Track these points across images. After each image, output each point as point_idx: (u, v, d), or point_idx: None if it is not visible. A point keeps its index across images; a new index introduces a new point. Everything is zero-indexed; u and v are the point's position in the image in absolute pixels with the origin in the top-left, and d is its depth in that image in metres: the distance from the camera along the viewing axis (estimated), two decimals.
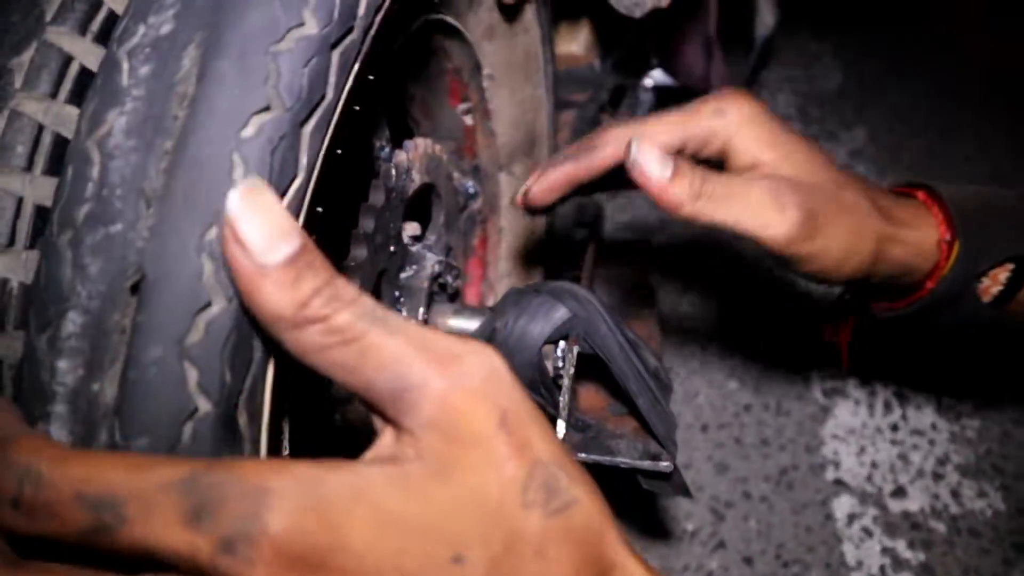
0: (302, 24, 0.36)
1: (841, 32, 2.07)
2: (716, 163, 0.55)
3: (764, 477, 1.08)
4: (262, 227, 0.29)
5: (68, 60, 0.42)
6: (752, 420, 1.15)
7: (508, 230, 0.85)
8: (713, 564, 0.99)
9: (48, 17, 0.43)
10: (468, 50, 0.72)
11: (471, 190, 0.79)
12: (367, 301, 0.30)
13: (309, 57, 0.36)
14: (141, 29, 0.37)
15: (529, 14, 0.76)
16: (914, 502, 1.06)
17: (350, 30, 0.38)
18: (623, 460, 0.58)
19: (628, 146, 0.49)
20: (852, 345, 0.70)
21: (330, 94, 0.37)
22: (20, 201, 0.40)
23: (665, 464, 0.58)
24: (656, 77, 1.10)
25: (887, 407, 1.18)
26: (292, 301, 0.28)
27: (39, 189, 0.41)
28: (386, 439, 0.31)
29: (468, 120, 0.79)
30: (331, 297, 0.29)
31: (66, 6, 0.43)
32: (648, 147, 0.47)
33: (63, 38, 0.42)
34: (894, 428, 1.15)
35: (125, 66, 0.36)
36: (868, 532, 1.02)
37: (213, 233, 0.33)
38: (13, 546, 0.29)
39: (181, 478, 0.26)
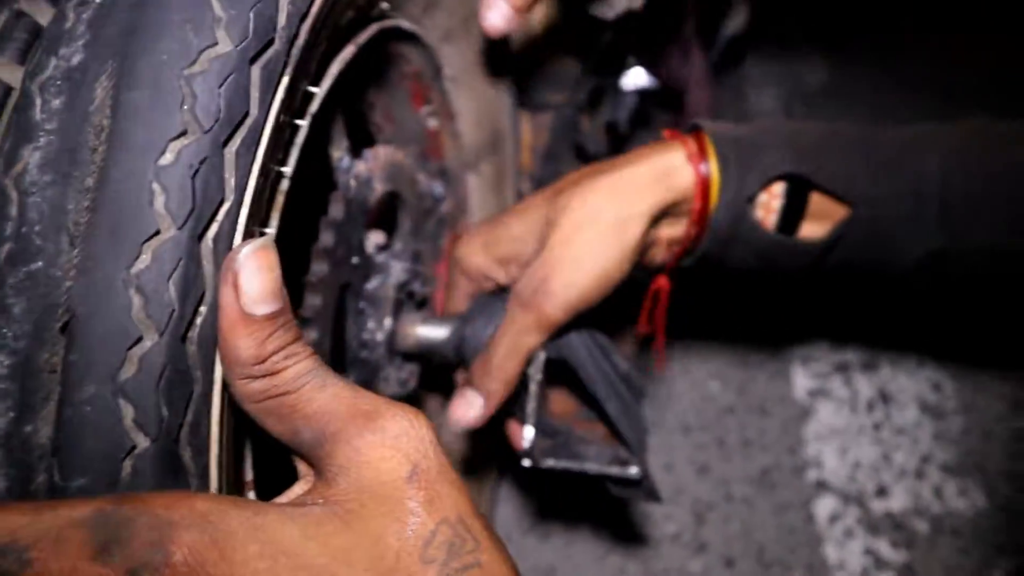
0: (215, 44, 0.35)
1: (828, 27, 2.05)
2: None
3: (746, 478, 1.08)
4: (260, 282, 0.32)
5: (8, 90, 0.41)
6: (734, 421, 1.15)
7: None
8: (695, 567, 0.98)
9: None
10: (427, 54, 0.71)
11: (439, 193, 0.78)
12: (313, 360, 0.33)
13: (225, 76, 0.35)
14: (52, 61, 0.36)
15: None
16: (896, 501, 1.05)
17: (270, 42, 0.37)
18: (592, 466, 0.57)
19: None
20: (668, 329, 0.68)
21: (255, 110, 0.36)
22: None
23: (634, 470, 0.57)
24: (636, 77, 1.08)
25: (870, 407, 1.17)
26: (256, 353, 0.32)
27: None
28: (300, 485, 0.33)
29: (432, 123, 0.77)
30: (289, 354, 0.33)
31: (4, 35, 0.42)
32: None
33: (2, 69, 0.41)
34: (877, 427, 1.14)
35: (38, 100, 0.35)
36: (850, 532, 1.02)
37: (139, 266, 0.33)
38: None
39: (88, 515, 0.28)
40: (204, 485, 0.35)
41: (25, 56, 0.41)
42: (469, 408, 0.58)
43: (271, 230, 0.42)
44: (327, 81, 0.50)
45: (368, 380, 0.62)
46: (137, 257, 0.33)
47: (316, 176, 0.56)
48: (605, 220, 0.55)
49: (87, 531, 0.27)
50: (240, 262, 0.32)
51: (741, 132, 0.58)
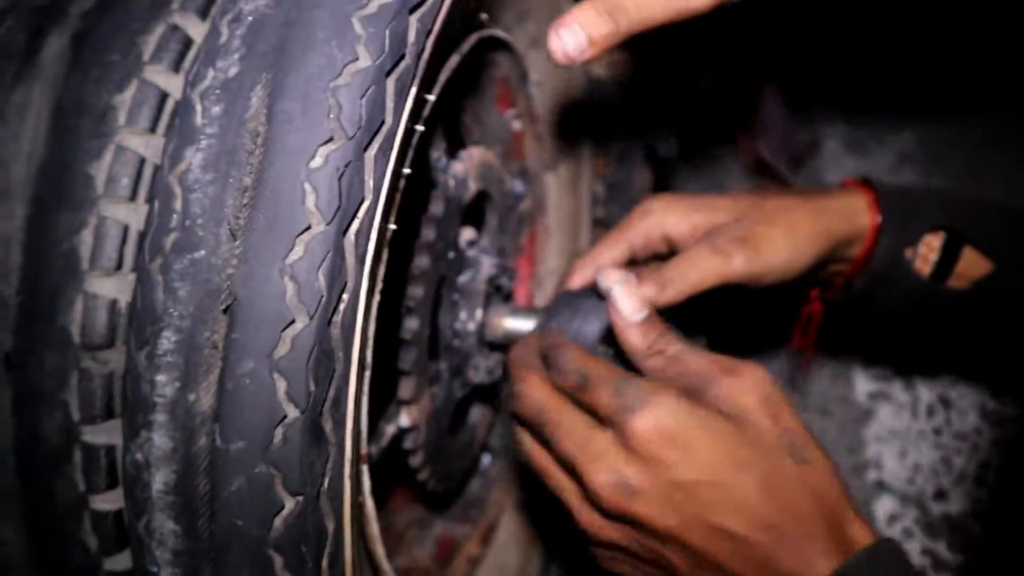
0: (356, 59, 0.39)
1: (894, 30, 2.01)
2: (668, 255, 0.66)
3: None
4: (631, 302, 0.53)
5: (164, 96, 0.46)
6: None
7: (555, 228, 0.88)
8: None
9: (146, 56, 0.46)
10: (516, 60, 0.74)
11: (520, 191, 0.82)
12: (681, 340, 0.52)
13: (366, 88, 0.39)
14: (211, 72, 0.40)
15: None
16: (955, 505, 1.06)
17: (402, 57, 0.41)
18: None
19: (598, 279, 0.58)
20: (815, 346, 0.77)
21: (389, 119, 0.40)
22: (126, 228, 0.44)
23: None
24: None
25: (931, 411, 1.17)
26: (645, 341, 0.52)
27: (142, 216, 0.44)
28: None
29: (516, 125, 0.81)
30: (665, 340, 0.52)
31: (161, 45, 0.47)
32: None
33: (159, 76, 0.46)
34: (937, 432, 1.15)
35: (198, 107, 0.40)
36: (909, 533, 1.03)
37: (293, 257, 0.37)
38: None
39: (618, 376, 0.49)
40: (340, 454, 0.40)
41: (178, 65, 0.46)
42: (624, 281, 0.56)
43: (393, 226, 0.46)
44: (437, 88, 0.54)
45: (459, 367, 0.66)
46: (291, 249, 0.37)
47: (417, 175, 0.60)
48: (807, 227, 0.63)
49: (614, 383, 0.49)
50: (616, 294, 0.54)
51: (905, 188, 0.67)
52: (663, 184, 1.31)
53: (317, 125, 0.38)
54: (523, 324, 0.66)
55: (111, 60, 0.46)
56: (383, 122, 0.40)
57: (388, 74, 0.40)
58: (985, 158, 1.66)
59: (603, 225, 1.00)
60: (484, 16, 0.62)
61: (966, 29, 1.94)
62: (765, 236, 0.60)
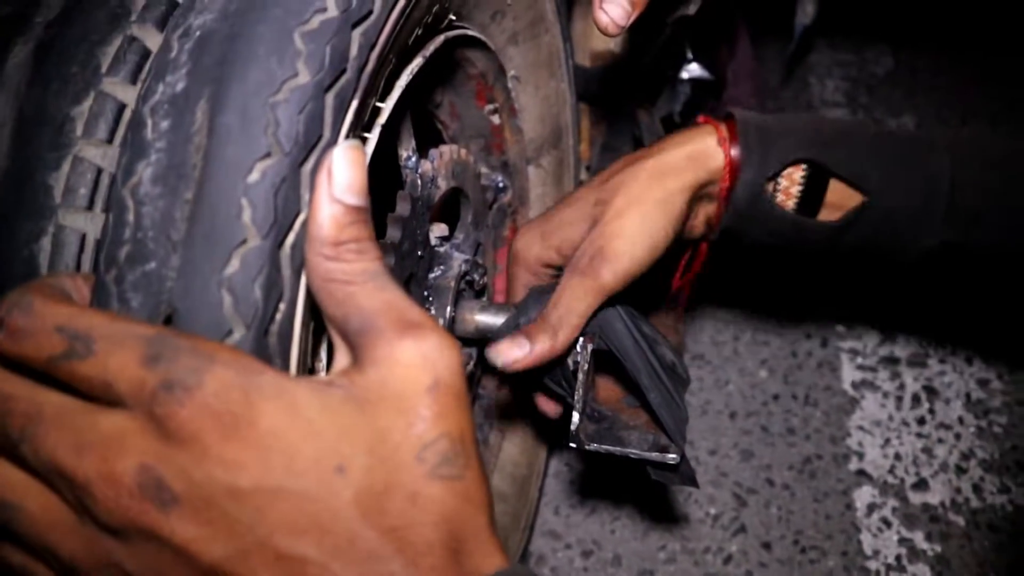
0: (296, 75, 0.40)
1: (896, 17, 2.00)
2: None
3: (788, 465, 1.10)
4: (349, 174, 0.35)
5: (122, 107, 0.48)
6: (780, 409, 1.17)
7: None
8: (733, 547, 1.02)
9: (104, 68, 0.48)
10: (492, 57, 0.75)
11: (500, 184, 0.83)
12: (380, 264, 0.37)
13: (304, 104, 0.40)
14: (160, 87, 0.42)
15: (550, 13, 0.79)
16: (935, 495, 1.06)
17: (342, 72, 0.42)
18: (633, 451, 0.62)
19: None
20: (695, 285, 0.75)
21: (327, 133, 0.42)
22: (83, 237, 0.46)
23: (672, 456, 0.61)
24: (692, 70, 1.12)
25: (915, 400, 1.17)
26: (335, 235, 0.35)
27: (98, 225, 0.47)
28: (335, 368, 0.37)
29: (495, 119, 0.82)
30: (361, 251, 0.36)
31: (119, 57, 0.48)
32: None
33: (116, 87, 0.48)
34: (921, 422, 1.15)
35: (149, 121, 0.41)
36: (887, 522, 1.04)
37: (230, 270, 0.38)
38: None
39: (150, 334, 0.33)
40: None
41: (136, 76, 0.48)
42: (514, 348, 0.59)
43: None
44: (396, 92, 0.55)
45: None
46: (228, 262, 0.38)
47: (384, 174, 0.61)
48: (651, 198, 0.61)
49: (145, 344, 0.32)
50: (335, 156, 0.36)
51: (767, 121, 0.64)
52: None
53: (255, 140, 0.39)
54: (493, 319, 0.67)
55: (70, 72, 0.48)
56: (320, 136, 0.41)
57: (327, 89, 0.41)
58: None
59: None
60: (452, 18, 0.63)
61: (967, 14, 1.92)
62: (617, 235, 0.60)
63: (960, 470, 1.09)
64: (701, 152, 0.63)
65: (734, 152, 0.63)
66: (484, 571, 0.34)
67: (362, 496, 0.32)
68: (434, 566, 0.33)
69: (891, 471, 1.09)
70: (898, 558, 0.99)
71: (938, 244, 0.64)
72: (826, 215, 0.65)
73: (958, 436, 1.13)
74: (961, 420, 1.15)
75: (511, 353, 0.59)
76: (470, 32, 0.68)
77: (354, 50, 0.43)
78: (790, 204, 0.64)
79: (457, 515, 0.34)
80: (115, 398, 0.32)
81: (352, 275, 0.36)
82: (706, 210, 0.66)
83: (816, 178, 0.64)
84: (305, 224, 0.41)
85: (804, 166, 0.63)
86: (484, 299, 0.71)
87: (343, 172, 0.35)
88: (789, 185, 0.64)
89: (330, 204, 0.35)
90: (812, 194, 0.64)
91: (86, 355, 0.33)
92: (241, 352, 0.34)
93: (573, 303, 0.60)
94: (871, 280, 1.30)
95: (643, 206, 0.61)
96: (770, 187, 0.64)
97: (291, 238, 0.40)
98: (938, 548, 1.00)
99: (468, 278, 0.69)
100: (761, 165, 0.62)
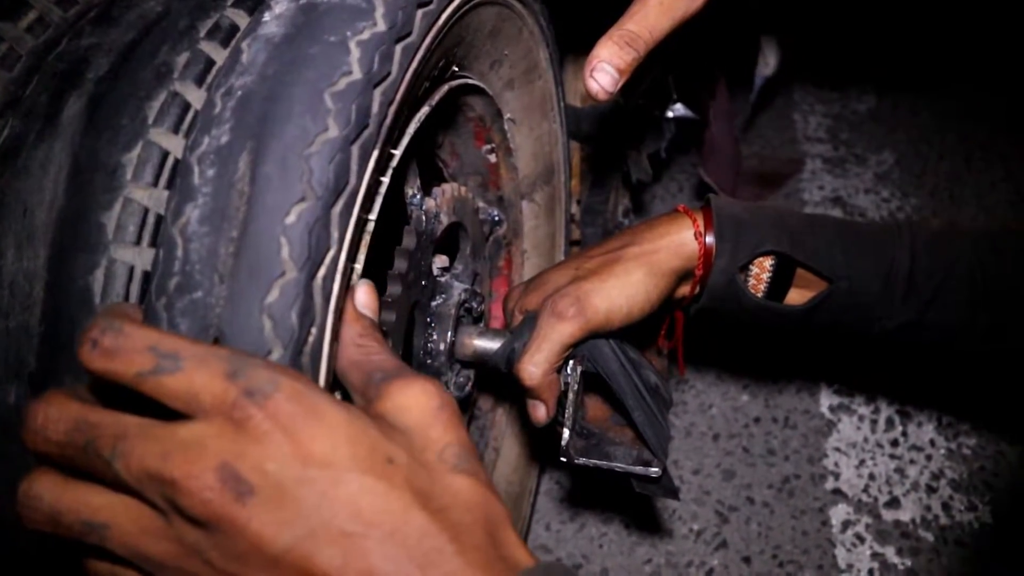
0: (327, 129, 0.46)
1: (879, 53, 2.09)
2: None
3: (768, 484, 1.17)
4: (365, 299, 0.52)
5: (166, 155, 0.54)
6: (760, 431, 1.24)
7: (531, 252, 0.95)
8: (714, 561, 1.08)
9: (151, 119, 0.54)
10: (490, 101, 0.82)
11: (496, 218, 0.89)
12: (389, 346, 0.50)
13: (333, 155, 0.46)
14: (206, 139, 0.48)
15: (543, 62, 0.86)
16: (906, 513, 1.13)
17: (365, 126, 0.49)
18: (619, 465, 0.68)
19: None
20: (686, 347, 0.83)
21: (352, 180, 0.48)
22: (132, 269, 0.52)
23: (654, 470, 0.67)
24: (677, 109, 1.19)
25: (889, 423, 1.24)
26: (361, 331, 0.49)
27: (146, 259, 0.52)
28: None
29: (492, 158, 0.88)
30: (375, 339, 0.49)
31: (164, 110, 0.54)
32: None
33: (162, 137, 0.53)
34: (894, 443, 1.22)
35: (196, 169, 0.47)
36: (860, 538, 1.10)
37: (270, 299, 0.44)
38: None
39: (229, 354, 0.39)
40: None
41: (178, 127, 0.54)
42: (537, 410, 0.70)
43: (359, 265, 0.53)
44: (405, 139, 0.61)
45: None
46: (269, 292, 0.44)
47: (391, 210, 0.67)
48: (633, 278, 0.69)
49: (226, 361, 0.38)
50: (359, 288, 0.51)
51: (740, 211, 0.71)
52: (638, 207, 1.39)
53: (292, 187, 0.45)
54: (490, 343, 0.73)
55: (121, 122, 0.53)
56: (347, 182, 0.47)
57: (353, 142, 0.48)
58: (960, 178, 1.73)
59: (579, 246, 1.07)
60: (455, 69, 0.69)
61: (948, 54, 2.01)
62: (596, 291, 0.67)
63: (930, 489, 1.15)
64: (679, 244, 0.71)
65: (709, 240, 0.70)
66: (521, 562, 0.39)
67: (412, 481, 0.38)
68: (477, 545, 0.38)
69: (865, 490, 1.15)
70: (871, 572, 1.05)
71: (899, 324, 0.71)
72: (796, 294, 0.73)
73: (929, 457, 1.19)
74: (932, 442, 1.21)
75: (539, 414, 0.70)
76: (471, 80, 0.75)
77: (375, 107, 0.49)
78: (761, 288, 0.72)
79: (485, 503, 0.41)
80: (196, 408, 0.37)
81: (371, 351, 0.48)
82: (683, 290, 0.74)
83: (784, 267, 0.71)
84: (333, 260, 0.47)
85: (773, 257, 0.71)
86: (482, 325, 0.77)
87: (361, 297, 0.51)
88: (760, 272, 0.72)
89: (356, 319, 0.50)
90: (781, 280, 0.72)
91: (174, 370, 0.37)
92: (296, 370, 0.40)
93: (545, 341, 0.67)
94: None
95: (630, 276, 0.69)
96: (742, 275, 0.71)
97: (322, 271, 0.46)
98: (908, 562, 1.06)
99: (467, 305, 0.75)
100: (733, 255, 0.70)
